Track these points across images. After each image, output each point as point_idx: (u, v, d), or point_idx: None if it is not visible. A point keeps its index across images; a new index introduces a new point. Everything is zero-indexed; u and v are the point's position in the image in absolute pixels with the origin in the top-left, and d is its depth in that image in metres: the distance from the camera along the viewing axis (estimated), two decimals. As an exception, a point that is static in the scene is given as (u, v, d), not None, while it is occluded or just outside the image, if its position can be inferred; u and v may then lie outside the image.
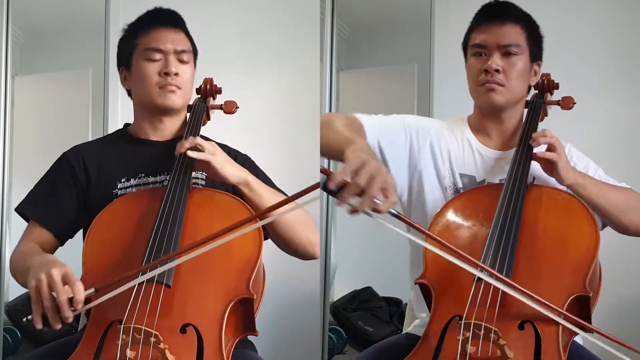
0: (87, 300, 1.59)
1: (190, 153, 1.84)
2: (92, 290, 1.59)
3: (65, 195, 1.97)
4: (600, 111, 2.92)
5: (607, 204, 1.87)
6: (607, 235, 1.93)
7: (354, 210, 1.45)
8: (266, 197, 1.86)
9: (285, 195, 2.00)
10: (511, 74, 1.97)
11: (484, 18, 2.00)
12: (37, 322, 1.57)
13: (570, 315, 1.59)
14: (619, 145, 2.92)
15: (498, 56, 1.96)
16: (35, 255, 1.78)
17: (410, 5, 3.31)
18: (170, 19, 2.03)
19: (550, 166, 1.87)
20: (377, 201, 1.46)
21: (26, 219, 1.99)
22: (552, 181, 1.92)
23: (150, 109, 2.02)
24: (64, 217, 1.96)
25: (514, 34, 1.98)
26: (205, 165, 1.85)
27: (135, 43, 2.01)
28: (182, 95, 2.00)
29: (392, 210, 1.50)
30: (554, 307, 1.58)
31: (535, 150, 1.91)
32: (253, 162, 2.09)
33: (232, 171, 1.86)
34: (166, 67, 1.97)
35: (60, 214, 1.95)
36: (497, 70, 1.95)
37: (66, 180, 1.98)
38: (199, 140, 1.86)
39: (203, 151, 1.84)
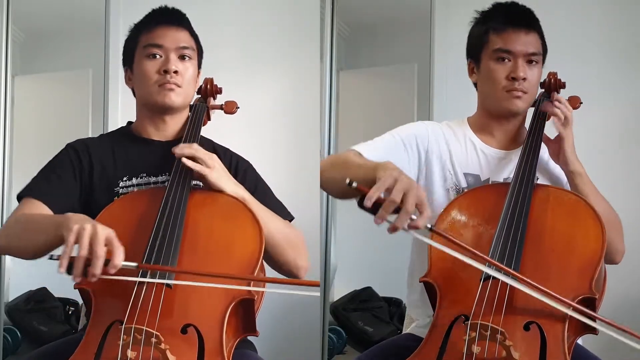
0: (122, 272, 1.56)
1: (186, 161, 1.83)
2: (133, 264, 1.56)
3: (69, 177, 1.93)
4: (599, 111, 2.92)
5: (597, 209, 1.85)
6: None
7: (393, 228, 1.49)
8: (261, 214, 1.84)
9: (283, 207, 2.02)
10: (533, 81, 2.00)
11: (510, 23, 2.00)
12: (63, 265, 1.51)
13: (579, 307, 1.59)
14: (618, 145, 2.92)
15: (523, 64, 1.98)
16: (58, 215, 1.74)
17: (410, 5, 3.31)
18: (173, 17, 2.02)
19: (558, 145, 1.90)
20: (413, 217, 1.50)
21: None
22: (555, 180, 1.93)
23: (150, 107, 2.01)
24: (64, 195, 1.91)
25: (537, 43, 2.01)
26: (202, 177, 1.85)
27: (137, 41, 2.01)
28: (182, 94, 1.98)
29: (429, 225, 1.53)
30: (563, 299, 1.58)
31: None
32: (254, 170, 2.08)
33: (229, 186, 1.85)
34: (166, 64, 1.95)
35: (61, 192, 1.91)
36: (524, 79, 1.97)
37: (71, 165, 1.95)
38: (197, 151, 1.86)
39: (200, 164, 1.83)
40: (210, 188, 1.85)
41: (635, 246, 2.29)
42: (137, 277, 1.62)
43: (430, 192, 2.02)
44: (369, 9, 3.38)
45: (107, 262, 1.53)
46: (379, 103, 3.38)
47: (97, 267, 1.52)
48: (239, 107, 2.11)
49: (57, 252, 1.58)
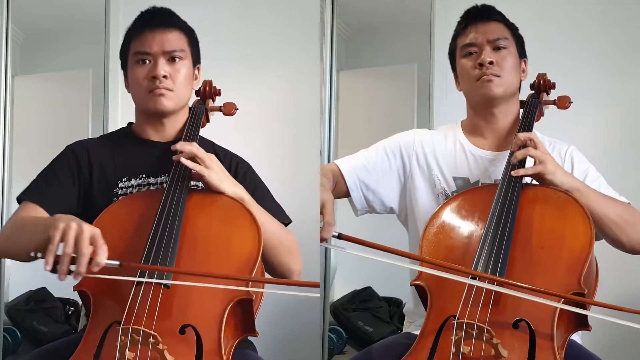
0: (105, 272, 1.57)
1: (185, 161, 1.84)
2: (116, 262, 1.57)
3: (67, 182, 1.94)
4: (598, 111, 2.92)
5: (603, 213, 1.86)
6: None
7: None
8: (259, 216, 1.84)
9: (281, 210, 2.03)
10: (504, 66, 2.02)
11: (469, 20, 2.08)
12: (49, 262, 1.52)
13: (570, 296, 1.60)
14: (617, 145, 2.91)
15: (489, 50, 2.02)
16: (48, 217, 1.75)
17: (410, 5, 3.31)
18: (160, 19, 2.00)
19: (538, 178, 1.87)
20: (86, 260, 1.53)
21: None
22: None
23: (146, 112, 2.01)
24: (62, 200, 1.92)
25: (500, 30, 2.06)
26: (200, 178, 1.85)
27: (128, 47, 2.01)
28: (174, 97, 1.97)
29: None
30: (551, 292, 1.59)
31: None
32: (254, 171, 2.08)
33: (228, 187, 1.85)
34: (154, 70, 1.94)
35: (59, 197, 1.92)
36: (491, 63, 2.00)
37: (70, 169, 1.95)
38: (196, 150, 1.86)
39: (199, 164, 1.84)
40: (209, 189, 1.85)
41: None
42: (135, 277, 1.63)
43: (417, 199, 2.07)
44: (369, 9, 3.38)
45: (92, 260, 1.54)
46: (379, 103, 3.38)
47: (82, 265, 1.53)
48: (238, 109, 2.11)
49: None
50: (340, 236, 1.58)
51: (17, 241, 1.77)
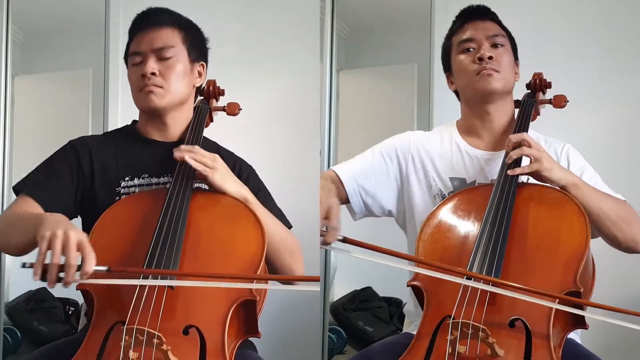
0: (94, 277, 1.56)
1: (189, 160, 1.84)
2: (104, 267, 1.56)
3: (66, 179, 1.93)
4: (597, 110, 2.92)
5: (599, 209, 1.85)
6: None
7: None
8: (262, 218, 1.84)
9: (283, 214, 2.03)
10: (502, 62, 2.03)
11: (466, 19, 2.09)
12: (37, 273, 1.51)
13: (566, 297, 1.61)
14: (616, 143, 2.92)
15: (488, 46, 2.03)
16: (37, 215, 1.75)
17: (410, 5, 3.31)
18: (154, 19, 2.00)
19: (535, 176, 1.86)
20: (323, 230, 1.59)
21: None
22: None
23: (143, 111, 2.02)
24: (59, 195, 1.91)
25: (496, 28, 2.08)
26: (204, 178, 1.85)
27: (127, 48, 2.02)
28: (165, 94, 1.95)
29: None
30: (548, 293, 1.59)
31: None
32: (257, 175, 2.08)
33: (232, 187, 1.86)
34: (142, 69, 1.94)
35: (57, 194, 1.91)
36: (490, 58, 2.01)
37: (69, 165, 1.95)
38: (199, 151, 1.86)
39: (203, 164, 1.84)
40: (213, 189, 1.86)
41: None
42: (139, 279, 1.62)
43: (414, 200, 2.07)
44: (368, 9, 3.38)
45: (79, 267, 1.53)
46: (379, 103, 3.39)
47: (70, 275, 1.53)
48: (241, 109, 2.11)
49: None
50: (345, 240, 1.59)
51: (7, 236, 1.79)
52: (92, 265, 1.54)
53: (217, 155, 1.89)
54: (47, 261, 1.53)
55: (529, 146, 1.86)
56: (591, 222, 1.83)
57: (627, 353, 2.70)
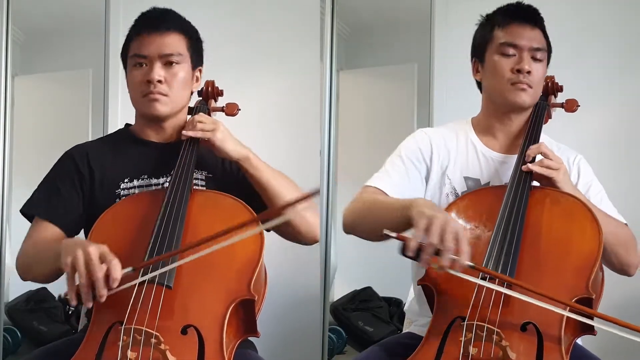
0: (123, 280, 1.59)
1: (187, 132, 1.88)
2: (129, 269, 1.59)
3: (70, 191, 1.95)
4: (598, 112, 2.92)
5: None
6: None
7: (440, 268, 1.56)
8: (267, 173, 1.88)
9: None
10: (537, 77, 2.00)
11: (515, 18, 2.01)
12: (72, 299, 1.57)
13: (576, 305, 1.60)
14: (616, 144, 2.92)
15: (528, 58, 1.98)
16: (56, 242, 1.78)
17: (410, 5, 3.30)
18: (160, 22, 1.98)
19: (549, 182, 1.86)
20: (453, 257, 1.56)
21: (30, 220, 1.96)
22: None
23: (142, 116, 2.02)
24: (69, 211, 1.93)
25: (541, 39, 2.02)
26: (206, 143, 1.88)
27: (128, 48, 2.00)
28: (169, 102, 1.96)
29: (468, 263, 1.57)
30: (559, 300, 1.59)
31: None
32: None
33: (233, 146, 1.88)
34: (149, 74, 1.93)
35: (65, 208, 1.93)
36: (529, 72, 1.97)
37: (70, 177, 1.96)
38: (199, 117, 1.90)
39: (202, 130, 1.87)
40: (215, 151, 1.88)
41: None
42: (138, 278, 1.63)
43: (426, 197, 2.03)
44: (369, 9, 3.38)
45: (107, 277, 1.57)
46: (379, 103, 3.38)
47: (102, 289, 1.56)
48: (240, 109, 2.11)
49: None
50: (475, 267, 1.59)
51: (32, 268, 1.87)
52: (119, 272, 1.57)
53: (217, 120, 1.93)
54: (77, 282, 1.57)
55: (549, 158, 1.86)
56: None
57: (627, 354, 2.70)
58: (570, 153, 2.07)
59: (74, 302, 1.56)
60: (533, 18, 2.02)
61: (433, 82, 3.07)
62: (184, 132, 1.90)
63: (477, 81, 2.10)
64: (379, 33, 3.39)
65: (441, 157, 2.05)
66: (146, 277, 1.62)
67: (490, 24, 2.05)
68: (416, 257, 1.56)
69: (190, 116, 2.05)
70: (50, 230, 1.90)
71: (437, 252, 1.55)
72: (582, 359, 1.79)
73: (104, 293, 1.56)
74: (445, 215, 1.60)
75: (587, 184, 2.01)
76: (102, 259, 1.57)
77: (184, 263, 1.66)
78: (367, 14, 3.39)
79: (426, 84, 3.12)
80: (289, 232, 1.92)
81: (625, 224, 1.97)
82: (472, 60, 2.10)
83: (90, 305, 1.59)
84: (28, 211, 1.96)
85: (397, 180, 2.02)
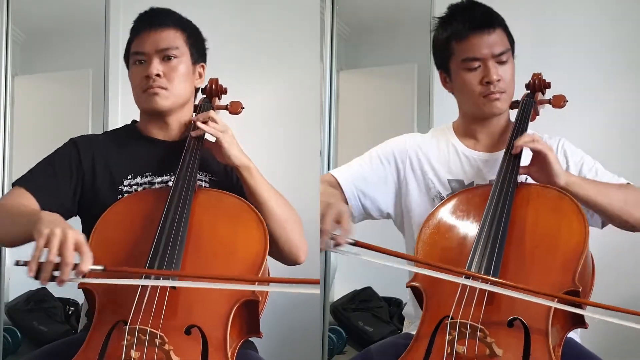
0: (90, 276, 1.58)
1: (201, 125, 1.87)
2: (100, 267, 1.56)
3: (65, 176, 1.94)
4: (597, 109, 2.92)
5: (607, 201, 1.85)
6: (615, 235, 1.92)
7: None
8: (264, 187, 1.87)
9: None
10: (507, 79, 1.97)
11: (470, 28, 1.96)
12: (32, 269, 1.51)
13: (565, 296, 1.61)
14: (616, 144, 2.92)
15: (494, 65, 1.95)
16: (32, 211, 1.75)
17: (410, 5, 3.31)
18: (157, 19, 2.00)
19: (541, 166, 1.85)
20: (335, 234, 1.61)
21: None
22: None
23: (145, 111, 2.03)
24: (55, 195, 1.91)
25: (502, 40, 1.98)
26: (213, 144, 1.88)
27: (129, 48, 2.03)
28: (170, 96, 1.97)
29: (349, 240, 1.60)
30: (544, 293, 1.60)
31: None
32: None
33: (237, 153, 1.87)
34: (147, 69, 1.95)
35: (51, 191, 1.91)
36: (498, 80, 1.95)
37: (69, 163, 1.95)
38: (214, 113, 1.90)
39: (215, 127, 1.87)
40: (220, 155, 1.87)
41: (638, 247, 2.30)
42: (140, 279, 1.63)
43: (412, 203, 2.06)
44: (369, 9, 3.38)
45: (75, 266, 1.53)
46: (379, 103, 3.39)
47: (65, 274, 1.52)
48: (244, 108, 2.11)
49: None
50: (356, 243, 1.59)
51: (3, 226, 1.79)
52: (88, 265, 1.54)
53: (226, 124, 1.92)
54: (42, 259, 1.53)
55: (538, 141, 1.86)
56: (599, 214, 1.83)
57: (626, 353, 2.70)
58: (552, 140, 2.06)
59: (31, 274, 1.51)
60: (488, 22, 1.97)
61: (433, 82, 3.06)
62: (197, 122, 1.88)
63: (449, 91, 2.09)
64: (379, 33, 3.39)
65: (421, 161, 2.07)
66: (148, 282, 1.62)
67: (446, 33, 2.00)
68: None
69: (195, 114, 2.05)
70: (28, 200, 1.86)
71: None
72: (579, 357, 1.78)
73: (65, 278, 1.52)
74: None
75: (578, 163, 2.01)
76: (77, 247, 1.54)
77: (187, 264, 1.67)
78: (367, 14, 3.39)
79: (426, 84, 3.12)
80: (272, 251, 1.89)
81: (628, 183, 1.97)
82: (438, 71, 2.08)
83: (45, 283, 1.54)
84: (19, 183, 1.92)
85: (357, 171, 2.07)
